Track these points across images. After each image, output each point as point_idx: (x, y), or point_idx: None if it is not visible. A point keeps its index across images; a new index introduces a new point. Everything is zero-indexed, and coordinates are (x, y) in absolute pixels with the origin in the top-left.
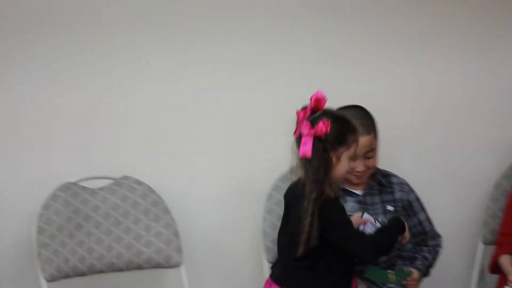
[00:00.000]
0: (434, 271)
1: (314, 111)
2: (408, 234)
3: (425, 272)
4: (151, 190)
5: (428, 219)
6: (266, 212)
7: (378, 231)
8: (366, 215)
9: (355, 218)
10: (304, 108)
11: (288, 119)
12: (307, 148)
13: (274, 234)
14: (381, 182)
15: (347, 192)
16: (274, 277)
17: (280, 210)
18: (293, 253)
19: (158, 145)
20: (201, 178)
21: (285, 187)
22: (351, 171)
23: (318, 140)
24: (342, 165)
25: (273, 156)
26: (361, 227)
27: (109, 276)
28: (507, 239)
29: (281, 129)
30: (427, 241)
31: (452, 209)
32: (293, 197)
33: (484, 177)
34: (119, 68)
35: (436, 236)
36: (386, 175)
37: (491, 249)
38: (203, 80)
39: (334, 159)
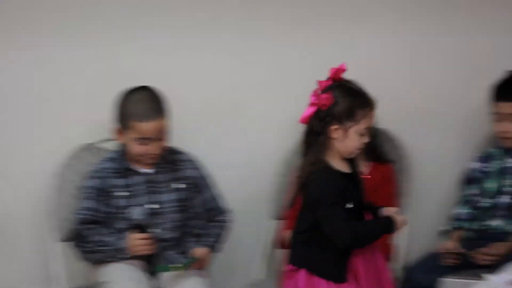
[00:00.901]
0: (224, 246)
1: (334, 82)
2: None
3: (215, 248)
4: None
5: (216, 195)
6: (54, 190)
7: (367, 224)
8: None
9: (391, 208)
10: (327, 79)
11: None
12: (305, 115)
13: (62, 213)
14: (170, 160)
15: (135, 171)
16: None
17: (70, 188)
18: (295, 231)
19: None
20: None
21: (75, 164)
22: (144, 154)
23: (320, 111)
24: (350, 140)
25: (71, 130)
26: None
27: None
28: (294, 214)
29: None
30: (216, 217)
31: (242, 184)
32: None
33: (273, 153)
34: None
35: (226, 211)
36: (176, 152)
37: (280, 224)
38: None
39: (340, 133)
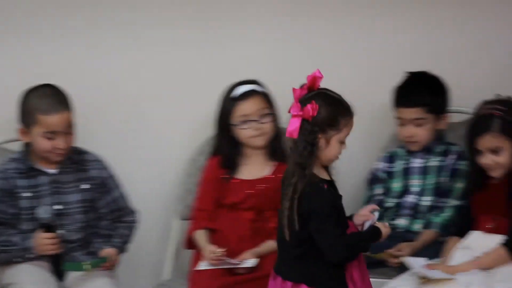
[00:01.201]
0: (131, 247)
1: (311, 90)
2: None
3: (122, 249)
4: None
5: (123, 196)
6: None
7: (357, 237)
8: (376, 213)
9: (364, 210)
10: (301, 87)
11: None
12: (293, 128)
13: None
14: (76, 160)
15: (40, 172)
16: (274, 265)
17: None
18: (287, 242)
19: None
20: None
21: None
22: (52, 149)
23: (306, 122)
24: (332, 148)
25: None
26: (366, 223)
27: None
28: (202, 214)
29: None
30: (123, 217)
31: (149, 184)
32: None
33: (180, 152)
34: None
35: (132, 212)
36: (81, 152)
37: (187, 224)
38: None
39: (323, 142)
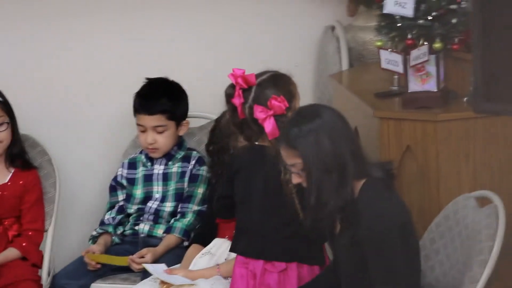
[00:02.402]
0: None
1: (246, 90)
2: None
3: None
4: None
5: None
6: None
7: None
8: None
9: None
10: (233, 91)
11: None
12: (272, 128)
13: None
14: None
15: None
16: (246, 251)
17: None
18: (272, 225)
19: None
20: None
21: None
22: None
23: (279, 116)
24: None
25: None
26: None
27: None
28: None
29: None
30: None
31: None
32: (253, 165)
33: None
34: None
35: None
36: None
37: None
38: None
39: None
